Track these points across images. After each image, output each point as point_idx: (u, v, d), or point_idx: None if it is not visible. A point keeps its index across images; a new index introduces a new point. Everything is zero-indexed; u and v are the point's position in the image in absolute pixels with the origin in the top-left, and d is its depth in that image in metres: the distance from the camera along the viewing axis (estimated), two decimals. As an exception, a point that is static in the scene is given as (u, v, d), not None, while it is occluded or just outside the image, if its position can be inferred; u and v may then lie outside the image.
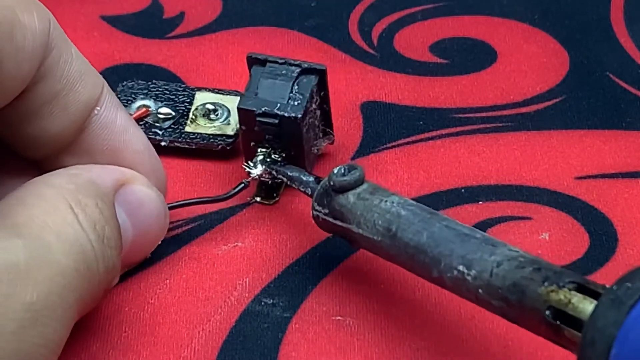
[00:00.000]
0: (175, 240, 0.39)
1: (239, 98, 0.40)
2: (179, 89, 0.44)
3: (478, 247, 0.32)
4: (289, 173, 0.38)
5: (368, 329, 0.36)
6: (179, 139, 0.42)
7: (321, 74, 0.40)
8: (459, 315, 0.37)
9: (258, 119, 0.39)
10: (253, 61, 0.40)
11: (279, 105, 0.39)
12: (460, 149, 0.43)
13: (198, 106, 0.43)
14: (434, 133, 0.44)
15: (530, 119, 0.44)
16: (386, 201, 0.35)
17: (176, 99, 0.44)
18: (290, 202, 0.41)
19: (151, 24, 0.49)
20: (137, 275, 0.38)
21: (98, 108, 0.34)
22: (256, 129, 0.39)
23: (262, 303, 0.37)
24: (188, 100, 0.44)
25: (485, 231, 0.39)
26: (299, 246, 0.39)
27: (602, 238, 0.39)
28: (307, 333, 0.36)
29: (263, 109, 0.39)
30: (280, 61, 0.40)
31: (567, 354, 0.35)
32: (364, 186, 0.35)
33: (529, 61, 0.47)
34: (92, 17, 0.49)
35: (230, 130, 0.42)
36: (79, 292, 0.31)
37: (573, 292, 0.30)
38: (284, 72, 0.39)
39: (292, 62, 0.39)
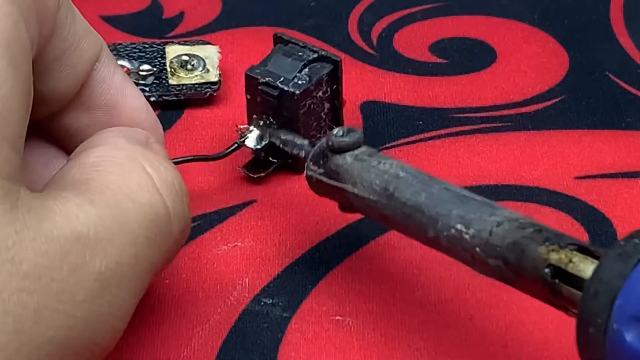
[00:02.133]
0: (175, 240, 0.39)
1: (207, 46, 0.44)
2: (146, 45, 0.46)
3: (477, 208, 0.32)
4: (282, 136, 0.39)
5: (367, 328, 0.36)
6: (167, 93, 0.44)
7: (335, 65, 0.40)
8: (458, 315, 0.37)
9: (260, 87, 0.40)
10: (278, 40, 0.41)
11: (282, 79, 0.40)
12: (459, 149, 0.43)
13: (172, 59, 0.45)
14: (433, 133, 0.44)
15: (529, 119, 0.44)
16: (384, 163, 0.34)
17: (148, 56, 0.46)
18: (290, 202, 0.41)
19: (151, 24, 0.49)
20: (137, 275, 0.38)
21: (97, 64, 0.35)
22: (258, 100, 0.40)
23: (262, 303, 0.37)
24: (159, 55, 0.45)
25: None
26: (299, 246, 0.39)
27: (602, 238, 0.39)
28: (306, 333, 0.36)
29: (266, 79, 0.40)
30: (302, 44, 0.41)
31: (567, 354, 0.35)
32: (362, 148, 0.35)
33: (529, 61, 0.47)
34: (92, 17, 0.49)
35: (213, 77, 0.45)
36: (150, 260, 0.31)
37: (575, 252, 0.30)
38: (300, 53, 0.40)
39: (312, 47, 0.41)
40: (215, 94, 0.44)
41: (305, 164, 0.36)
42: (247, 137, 0.40)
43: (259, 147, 0.40)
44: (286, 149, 0.39)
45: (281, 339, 0.36)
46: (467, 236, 0.31)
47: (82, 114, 0.35)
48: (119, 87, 0.35)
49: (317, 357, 0.36)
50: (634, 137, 0.43)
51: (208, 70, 0.45)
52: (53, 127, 0.35)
